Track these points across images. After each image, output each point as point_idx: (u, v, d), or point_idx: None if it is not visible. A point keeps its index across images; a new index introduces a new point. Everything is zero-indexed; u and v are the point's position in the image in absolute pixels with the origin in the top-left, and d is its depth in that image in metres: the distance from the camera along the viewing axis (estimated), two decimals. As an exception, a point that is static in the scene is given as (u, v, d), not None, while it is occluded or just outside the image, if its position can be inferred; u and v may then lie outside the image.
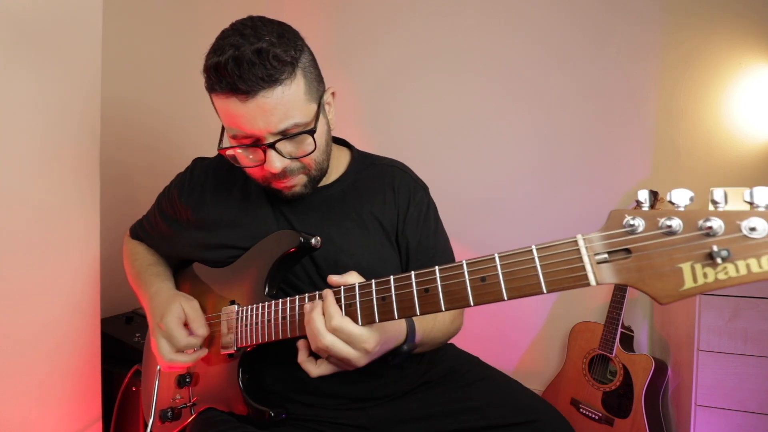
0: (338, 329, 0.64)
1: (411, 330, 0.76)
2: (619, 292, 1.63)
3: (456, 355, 1.01)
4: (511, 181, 2.02)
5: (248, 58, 0.70)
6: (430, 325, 0.83)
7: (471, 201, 2.06)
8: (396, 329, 0.74)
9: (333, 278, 0.70)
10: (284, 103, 0.74)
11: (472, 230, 2.02)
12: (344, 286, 0.68)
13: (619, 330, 1.60)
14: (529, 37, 1.97)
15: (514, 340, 2.05)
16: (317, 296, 0.71)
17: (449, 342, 1.05)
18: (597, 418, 1.59)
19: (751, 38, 1.70)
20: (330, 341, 0.65)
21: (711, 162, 1.76)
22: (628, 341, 1.66)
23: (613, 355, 1.60)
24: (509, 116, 2.02)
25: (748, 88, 1.70)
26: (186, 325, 0.85)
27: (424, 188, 1.00)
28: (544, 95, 1.97)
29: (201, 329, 0.84)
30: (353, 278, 0.70)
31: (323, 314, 0.66)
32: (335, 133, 1.00)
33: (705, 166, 1.76)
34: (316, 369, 0.70)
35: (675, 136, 1.80)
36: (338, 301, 0.68)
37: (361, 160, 0.99)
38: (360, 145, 1.05)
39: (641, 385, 1.52)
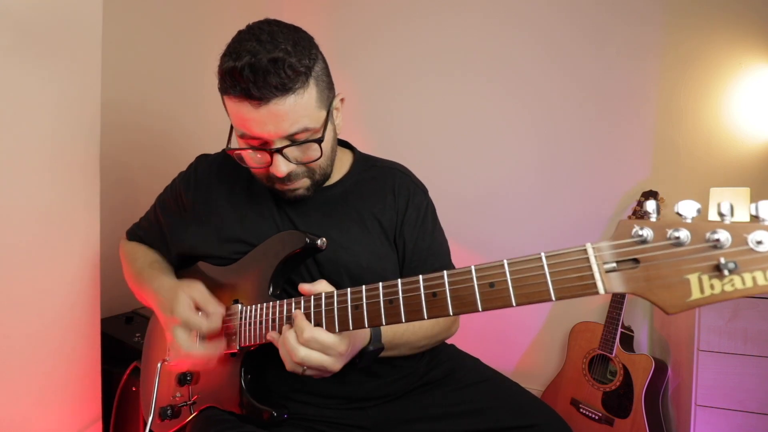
0: (309, 340, 0.68)
1: (375, 332, 0.78)
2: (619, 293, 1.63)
3: (456, 357, 1.01)
4: (511, 181, 2.02)
5: (264, 66, 0.71)
6: (402, 328, 0.83)
7: (471, 201, 2.06)
8: (361, 332, 0.75)
9: (304, 287, 0.73)
10: (295, 110, 0.75)
11: (472, 230, 2.02)
12: (314, 294, 0.71)
13: (619, 330, 1.60)
14: (529, 37, 1.97)
15: (514, 340, 2.05)
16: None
17: (449, 343, 1.05)
18: (597, 418, 1.59)
19: (751, 38, 1.70)
20: (304, 354, 0.68)
21: (711, 162, 1.76)
22: (628, 341, 1.66)
23: (613, 355, 1.60)
24: (509, 116, 2.02)
25: (748, 88, 1.70)
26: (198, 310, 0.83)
27: (424, 191, 1.01)
28: (544, 95, 1.97)
29: (214, 307, 0.82)
30: (322, 286, 0.73)
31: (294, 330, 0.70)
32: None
33: (705, 166, 1.76)
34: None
35: (675, 136, 1.80)
36: (343, 302, 0.68)
37: (362, 162, 1.00)
38: (360, 146, 1.05)
39: (641, 385, 1.53)
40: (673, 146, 1.81)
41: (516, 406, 0.88)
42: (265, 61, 0.71)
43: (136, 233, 1.09)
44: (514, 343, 2.05)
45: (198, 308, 0.82)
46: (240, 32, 0.77)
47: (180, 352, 0.81)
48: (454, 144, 2.09)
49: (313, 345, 0.68)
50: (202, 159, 1.02)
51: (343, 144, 1.03)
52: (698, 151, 1.77)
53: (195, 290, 0.84)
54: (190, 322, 0.80)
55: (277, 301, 0.78)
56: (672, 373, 1.62)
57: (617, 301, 1.63)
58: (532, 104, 1.98)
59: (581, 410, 1.64)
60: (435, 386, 0.94)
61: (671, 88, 1.80)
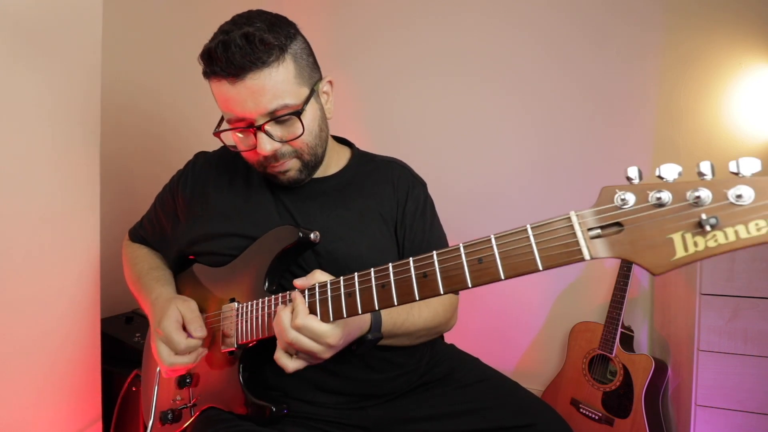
0: (301, 327, 0.68)
1: (376, 320, 0.78)
2: (619, 292, 1.63)
3: (456, 356, 1.01)
4: (510, 181, 2.02)
5: (235, 41, 0.73)
6: (402, 318, 0.83)
7: (471, 200, 2.06)
8: (359, 320, 0.76)
9: (298, 281, 0.73)
10: (272, 85, 0.76)
11: (472, 229, 2.02)
12: (308, 287, 0.71)
13: (619, 330, 1.60)
14: (529, 37, 1.97)
15: (514, 340, 2.05)
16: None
17: (449, 343, 1.05)
18: (597, 418, 1.59)
19: (751, 38, 1.70)
20: (294, 337, 0.69)
21: (711, 162, 1.75)
22: (628, 341, 1.66)
23: (613, 355, 1.60)
24: (509, 116, 2.02)
25: (748, 88, 1.70)
26: (184, 327, 0.85)
27: (423, 184, 1.02)
28: (544, 95, 1.96)
29: (198, 331, 0.83)
30: (316, 277, 0.73)
31: (291, 312, 0.70)
32: (337, 132, 1.00)
33: (705, 166, 1.76)
34: (291, 363, 0.73)
35: (675, 136, 1.80)
36: (336, 291, 0.69)
37: (361, 157, 1.01)
38: (360, 144, 1.06)
39: (641, 385, 1.53)
40: (673, 146, 1.81)
41: (516, 406, 0.88)
42: (237, 37, 0.73)
43: (138, 233, 1.09)
44: (514, 343, 2.05)
45: (184, 326, 0.85)
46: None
47: (161, 363, 0.84)
48: (455, 143, 2.09)
49: (304, 332, 0.68)
50: (200, 155, 1.03)
51: (343, 142, 1.04)
52: (698, 151, 1.77)
53: (187, 308, 0.86)
54: (171, 338, 0.82)
55: (272, 296, 0.78)
56: (672, 373, 1.62)
57: (617, 300, 1.63)
58: (532, 104, 1.98)
59: (581, 410, 1.64)
60: (435, 385, 0.94)
61: (671, 88, 1.80)
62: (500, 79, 2.02)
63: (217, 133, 0.84)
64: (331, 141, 0.96)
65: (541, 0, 1.95)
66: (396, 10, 2.15)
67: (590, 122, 1.91)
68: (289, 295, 0.74)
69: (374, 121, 2.21)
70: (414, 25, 2.13)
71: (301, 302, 0.70)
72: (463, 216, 2.03)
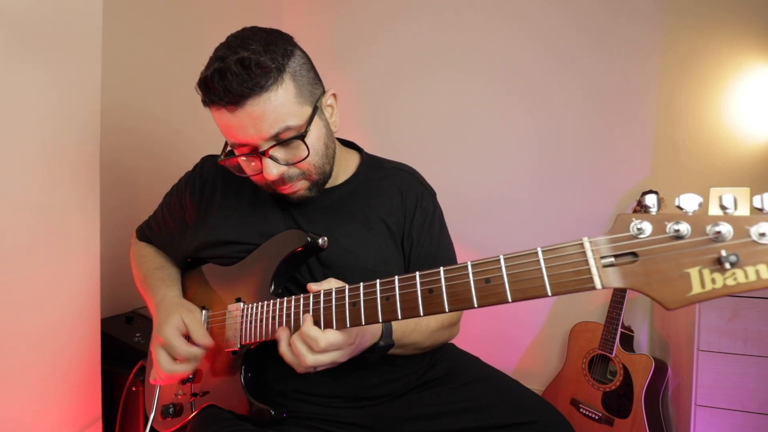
0: (328, 347, 0.68)
1: (387, 328, 0.79)
2: (619, 292, 1.63)
3: (456, 355, 1.02)
4: (511, 182, 2.02)
5: (231, 68, 0.71)
6: (410, 327, 0.84)
7: (471, 201, 2.06)
8: (372, 327, 0.76)
9: (312, 286, 0.74)
10: (273, 109, 0.74)
11: (471, 231, 2.02)
12: (324, 290, 0.71)
13: (619, 330, 1.61)
14: (529, 37, 1.97)
15: (514, 340, 2.05)
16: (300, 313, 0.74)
17: (449, 342, 1.06)
18: (597, 418, 1.59)
19: (751, 38, 1.70)
20: (313, 360, 0.69)
21: (711, 162, 1.76)
22: (628, 341, 1.66)
23: (613, 355, 1.60)
24: (509, 117, 2.02)
25: (748, 88, 1.70)
26: (187, 337, 0.84)
27: (432, 194, 1.00)
28: (544, 95, 1.97)
29: (204, 339, 0.83)
30: (331, 285, 0.73)
31: (303, 340, 0.70)
32: (340, 135, 1.00)
33: (705, 166, 1.77)
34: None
35: (675, 136, 1.81)
36: (341, 299, 0.69)
37: (369, 164, 0.99)
38: (360, 145, 1.05)
39: (641, 385, 1.53)
40: (673, 146, 1.81)
41: (517, 403, 0.88)
42: (232, 63, 0.71)
43: (144, 233, 1.09)
44: (515, 343, 2.05)
45: (187, 336, 0.84)
46: (219, 44, 0.78)
47: (159, 370, 0.83)
48: (454, 144, 2.09)
49: (331, 349, 0.69)
50: (208, 159, 1.01)
51: (350, 145, 1.02)
52: (698, 151, 1.77)
53: (190, 317, 0.85)
54: (170, 343, 0.81)
55: (278, 299, 0.78)
56: (672, 373, 1.62)
57: (617, 300, 1.63)
58: (532, 104, 1.99)
59: (581, 410, 1.64)
60: (435, 384, 0.94)
61: (671, 88, 1.80)
62: (499, 80, 2.02)
63: (222, 161, 0.83)
64: (338, 148, 0.94)
65: (542, 0, 1.95)
66: (396, 10, 2.15)
67: (590, 122, 1.91)
68: (294, 300, 0.75)
69: (373, 121, 2.21)
70: (414, 25, 2.13)
71: (310, 327, 0.70)
72: (463, 218, 2.03)
